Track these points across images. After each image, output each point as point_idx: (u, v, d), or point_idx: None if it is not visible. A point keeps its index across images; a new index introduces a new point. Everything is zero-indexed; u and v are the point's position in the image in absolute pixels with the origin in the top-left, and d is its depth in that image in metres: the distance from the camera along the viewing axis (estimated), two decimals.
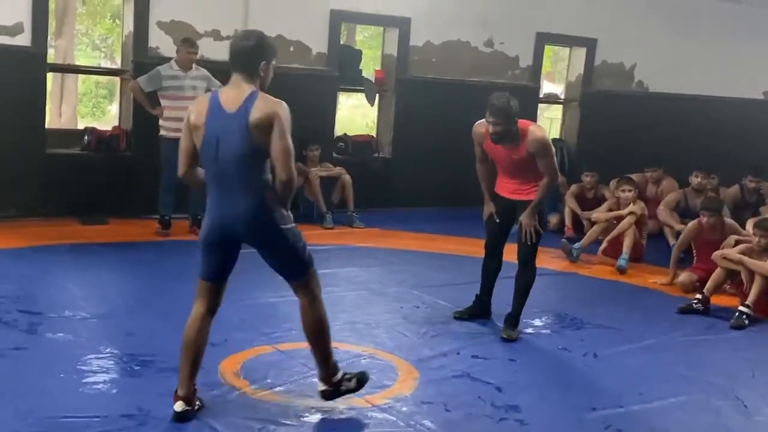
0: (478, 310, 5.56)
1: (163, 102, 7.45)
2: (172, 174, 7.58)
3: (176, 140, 7.43)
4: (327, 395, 4.00)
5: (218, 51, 8.34)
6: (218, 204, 3.67)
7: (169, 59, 7.60)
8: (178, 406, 3.73)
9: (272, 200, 3.62)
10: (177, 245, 7.23)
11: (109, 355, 4.57)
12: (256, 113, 3.51)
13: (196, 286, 3.81)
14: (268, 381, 4.29)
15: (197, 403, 3.83)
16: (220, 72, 7.86)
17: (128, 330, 4.97)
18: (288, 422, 3.85)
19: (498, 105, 4.98)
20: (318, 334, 3.89)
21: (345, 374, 4.03)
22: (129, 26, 8.18)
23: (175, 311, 5.36)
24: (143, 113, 7.63)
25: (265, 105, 3.54)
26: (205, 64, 7.86)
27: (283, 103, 3.58)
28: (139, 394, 4.02)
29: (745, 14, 11.82)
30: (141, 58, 8.03)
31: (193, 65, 7.54)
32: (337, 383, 3.99)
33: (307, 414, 3.95)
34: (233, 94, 3.61)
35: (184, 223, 7.68)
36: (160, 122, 7.46)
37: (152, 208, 7.70)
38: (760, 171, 8.72)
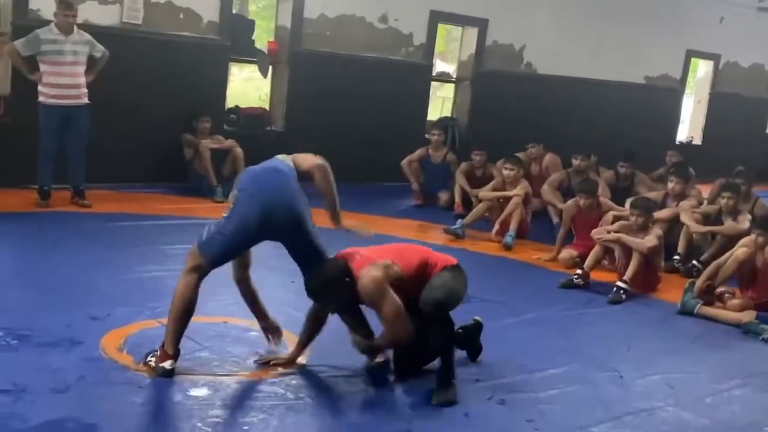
0: None
1: (42, 67, 7.10)
2: (51, 142, 7.33)
3: (55, 107, 7.29)
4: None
5: (103, 15, 8.03)
6: None
7: (50, 22, 7.25)
8: (170, 364, 3.95)
9: None
10: (57, 216, 6.96)
11: None
12: None
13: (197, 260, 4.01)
14: None
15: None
16: (104, 37, 7.63)
17: (4, 304, 4.76)
18: (173, 397, 3.79)
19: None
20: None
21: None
22: None
23: (54, 284, 5.20)
24: (22, 78, 7.26)
25: None
26: (89, 28, 7.54)
27: None
28: (15, 369, 3.87)
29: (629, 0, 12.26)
30: (21, 21, 7.62)
31: (75, 29, 7.22)
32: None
33: (193, 388, 3.90)
34: None
35: (64, 194, 7.39)
36: (39, 88, 7.11)
37: (32, 177, 7.36)
38: (631, 157, 9.05)
